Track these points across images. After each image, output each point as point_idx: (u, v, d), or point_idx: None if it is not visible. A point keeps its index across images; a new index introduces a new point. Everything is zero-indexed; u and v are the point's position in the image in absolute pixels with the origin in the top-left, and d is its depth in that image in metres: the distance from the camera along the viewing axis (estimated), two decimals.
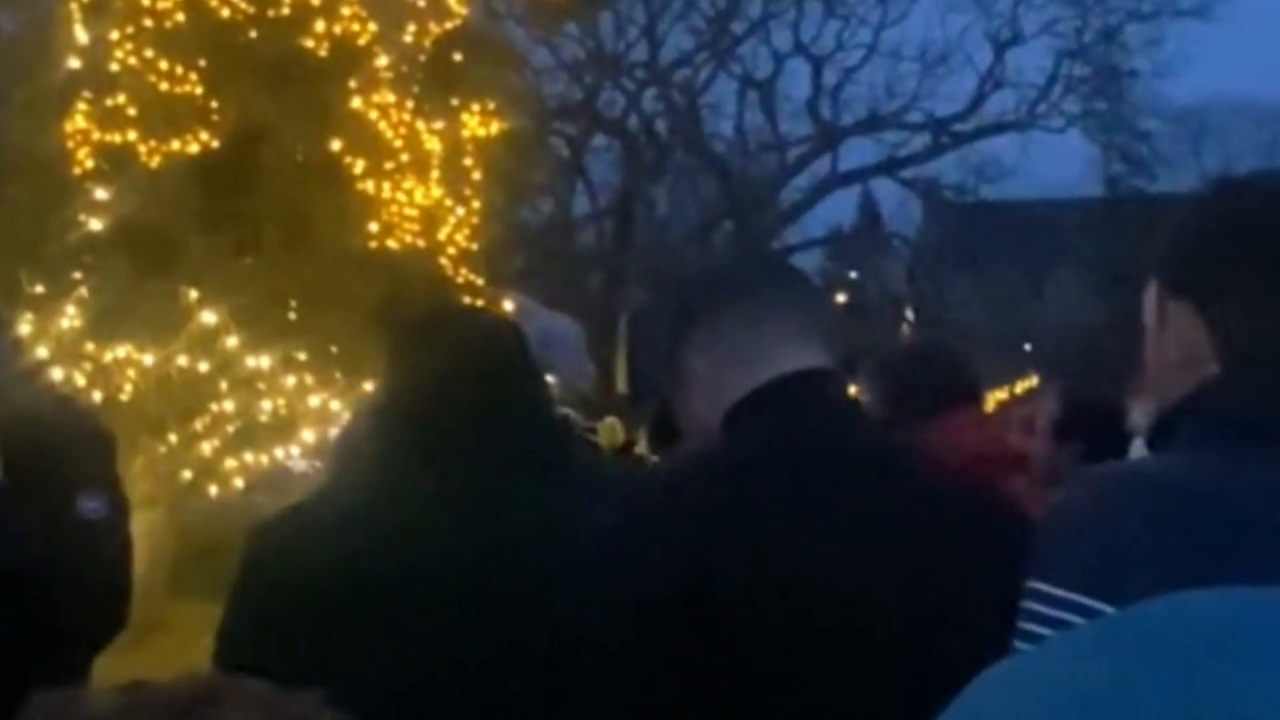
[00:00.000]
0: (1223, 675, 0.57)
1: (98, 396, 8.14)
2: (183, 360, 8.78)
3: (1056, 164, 36.78)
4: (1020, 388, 21.53)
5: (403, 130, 9.95)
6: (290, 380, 9.04)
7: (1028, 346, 36.16)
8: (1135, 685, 0.59)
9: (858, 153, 34.24)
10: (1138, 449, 3.69)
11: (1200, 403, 1.58)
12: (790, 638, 1.85)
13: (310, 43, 9.61)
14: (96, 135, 9.20)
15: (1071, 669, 0.61)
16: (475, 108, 10.29)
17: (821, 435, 2.02)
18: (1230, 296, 1.59)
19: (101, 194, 8.98)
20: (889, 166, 34.15)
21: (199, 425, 9.09)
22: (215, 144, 9.26)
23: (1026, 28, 32.92)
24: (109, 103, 9.26)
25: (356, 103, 9.74)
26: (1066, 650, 0.64)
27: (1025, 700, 0.61)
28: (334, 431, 8.70)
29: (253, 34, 9.45)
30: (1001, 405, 12.49)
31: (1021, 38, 32.97)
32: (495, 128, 10.37)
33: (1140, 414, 3.70)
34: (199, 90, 9.34)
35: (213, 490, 9.32)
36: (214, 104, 9.33)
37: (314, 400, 9.05)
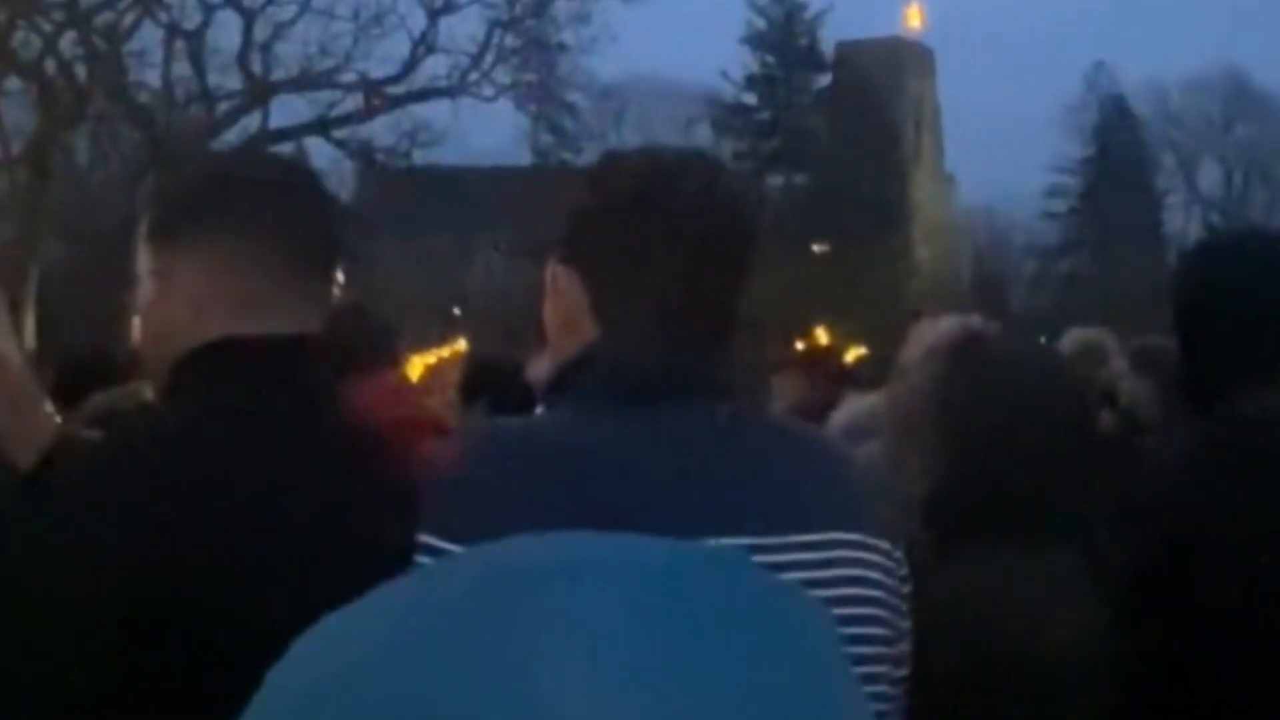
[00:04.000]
0: (506, 614, 0.63)
1: None
2: None
3: (488, 132, 37.57)
4: (448, 352, 21.94)
5: None
6: None
7: (457, 310, 36.91)
8: (424, 622, 0.64)
9: (290, 110, 33.83)
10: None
11: (580, 364, 1.69)
12: (202, 626, 1.70)
13: None
14: None
15: (375, 606, 0.67)
16: None
17: (266, 414, 1.77)
18: (605, 266, 1.71)
19: None
20: (321, 126, 33.90)
21: None
22: None
23: None
24: None
25: None
26: (390, 590, 0.68)
27: (341, 629, 0.67)
28: None
29: None
30: (429, 369, 12.68)
31: (454, 5, 33.44)
32: None
33: (538, 374, 3.90)
34: None
35: None
36: None
37: None
